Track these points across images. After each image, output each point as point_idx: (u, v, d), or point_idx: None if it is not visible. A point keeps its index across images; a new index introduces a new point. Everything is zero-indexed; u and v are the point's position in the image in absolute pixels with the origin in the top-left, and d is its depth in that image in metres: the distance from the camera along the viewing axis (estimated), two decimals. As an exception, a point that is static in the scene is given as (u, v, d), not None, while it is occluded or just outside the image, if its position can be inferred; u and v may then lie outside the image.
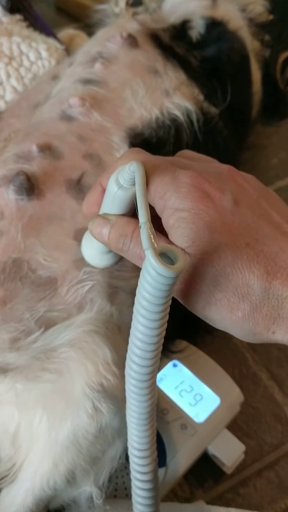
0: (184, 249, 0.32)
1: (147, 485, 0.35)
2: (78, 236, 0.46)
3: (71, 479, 0.42)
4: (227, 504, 0.55)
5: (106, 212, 0.37)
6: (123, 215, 0.36)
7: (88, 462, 0.41)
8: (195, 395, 0.56)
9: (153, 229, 0.30)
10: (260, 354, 0.64)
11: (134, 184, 0.33)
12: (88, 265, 0.45)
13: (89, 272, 0.45)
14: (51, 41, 0.69)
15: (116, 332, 0.41)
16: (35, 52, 0.66)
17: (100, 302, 0.44)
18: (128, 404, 0.34)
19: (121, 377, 0.38)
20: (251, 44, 0.71)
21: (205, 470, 0.56)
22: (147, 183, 0.34)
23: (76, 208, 0.48)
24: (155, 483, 0.36)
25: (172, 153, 0.41)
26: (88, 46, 0.63)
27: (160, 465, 0.52)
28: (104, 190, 0.37)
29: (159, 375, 0.57)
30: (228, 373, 0.58)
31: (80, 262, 0.46)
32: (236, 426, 0.59)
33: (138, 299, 0.30)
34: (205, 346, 0.60)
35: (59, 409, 0.39)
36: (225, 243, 0.32)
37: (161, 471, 0.52)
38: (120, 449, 0.42)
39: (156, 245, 0.29)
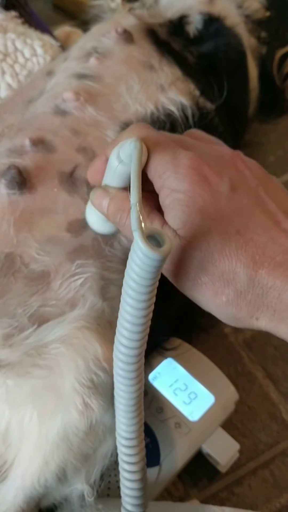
0: (175, 231, 0.33)
1: (135, 476, 0.36)
2: (71, 228, 0.46)
3: (62, 477, 0.41)
4: (222, 503, 0.54)
5: (107, 184, 0.38)
6: (123, 188, 0.37)
7: (79, 459, 0.40)
8: (190, 393, 0.55)
9: (143, 211, 0.30)
10: (256, 353, 0.64)
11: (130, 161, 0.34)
12: (81, 257, 0.45)
13: (81, 264, 0.45)
14: (46, 37, 0.69)
15: (108, 328, 0.40)
16: (30, 48, 0.66)
17: (92, 299, 0.44)
18: (115, 390, 0.34)
19: (112, 373, 0.38)
20: (248, 41, 0.70)
21: (199, 469, 0.56)
22: (148, 159, 0.34)
23: (69, 200, 0.48)
24: (143, 474, 0.37)
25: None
26: (83, 42, 0.62)
27: (154, 464, 0.51)
28: (107, 160, 0.37)
29: (153, 373, 0.56)
30: (223, 371, 0.57)
31: (73, 254, 0.46)
32: (231, 425, 0.58)
33: (126, 280, 0.31)
34: (200, 344, 0.59)
35: (49, 406, 0.38)
36: (216, 229, 0.32)
37: (155, 470, 0.51)
38: (111, 446, 0.41)
39: (144, 227, 0.30)
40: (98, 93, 0.56)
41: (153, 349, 0.56)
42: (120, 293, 0.46)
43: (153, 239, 0.30)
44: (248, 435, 0.58)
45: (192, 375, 0.56)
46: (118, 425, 0.35)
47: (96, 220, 0.43)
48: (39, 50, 0.65)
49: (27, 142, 0.50)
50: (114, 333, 0.40)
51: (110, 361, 0.38)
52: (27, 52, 0.65)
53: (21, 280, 0.44)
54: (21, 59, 0.65)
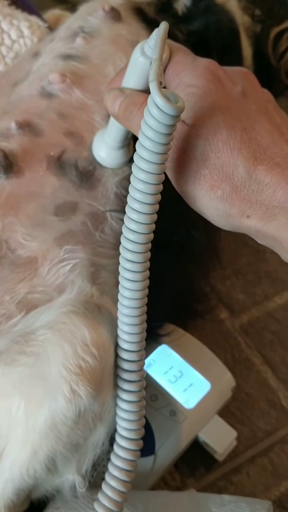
0: (184, 120, 0.34)
1: (133, 397, 0.38)
2: (58, 212, 0.45)
3: (51, 467, 0.40)
4: (220, 492, 0.53)
5: (124, 86, 0.39)
6: (140, 91, 0.38)
7: (69, 449, 0.39)
8: (185, 380, 0.54)
9: (162, 70, 0.32)
10: (253, 338, 0.62)
11: None
12: (69, 242, 0.44)
13: (70, 250, 0.44)
14: (33, 18, 0.67)
15: (96, 313, 0.39)
16: (16, 30, 0.64)
17: (80, 283, 0.43)
18: (119, 293, 0.36)
19: (100, 358, 0.36)
20: (241, 18, 0.68)
21: (196, 458, 0.54)
22: (169, 60, 0.37)
23: (57, 184, 0.46)
24: (141, 395, 0.38)
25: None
26: (70, 21, 0.61)
27: (149, 453, 0.50)
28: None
29: (147, 360, 0.55)
30: (220, 358, 0.56)
31: (61, 239, 0.45)
32: (229, 413, 0.57)
33: (140, 140, 0.32)
34: (196, 331, 0.59)
35: (36, 394, 0.37)
36: (224, 121, 0.34)
37: (150, 459, 0.50)
38: (103, 435, 0.40)
39: (162, 81, 0.31)
40: (85, 74, 0.54)
41: (147, 335, 0.55)
42: (111, 279, 0.45)
43: (168, 100, 0.31)
44: (246, 423, 0.57)
45: (187, 361, 0.55)
46: (120, 326, 0.37)
47: (105, 151, 0.45)
48: (26, 31, 0.64)
49: (13, 125, 0.49)
50: (103, 317, 0.39)
51: (98, 346, 0.37)
52: (13, 34, 0.63)
53: (8, 267, 0.43)
54: (7, 41, 0.63)
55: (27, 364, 0.38)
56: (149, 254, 0.36)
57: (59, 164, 0.48)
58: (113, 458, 0.39)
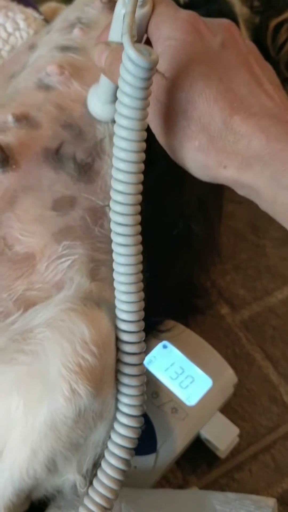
0: (163, 74, 0.35)
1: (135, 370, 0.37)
2: (56, 207, 0.44)
3: (52, 468, 0.39)
4: (222, 490, 0.53)
5: (111, 40, 0.39)
6: None
7: (69, 449, 0.38)
8: (186, 377, 0.53)
9: (135, 25, 0.32)
10: (254, 334, 0.62)
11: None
12: (68, 238, 0.44)
13: (69, 246, 0.43)
14: (29, 10, 0.66)
15: (95, 309, 0.38)
16: (12, 22, 0.64)
17: (79, 280, 0.42)
18: (114, 254, 0.36)
19: (100, 356, 0.36)
20: (240, 10, 0.68)
21: (198, 455, 0.54)
22: (152, 13, 0.36)
23: (54, 178, 0.46)
24: (142, 369, 0.38)
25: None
26: (66, 12, 0.60)
27: (150, 451, 0.50)
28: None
29: (148, 357, 0.54)
30: (221, 353, 0.55)
31: (59, 235, 0.44)
32: (230, 409, 0.56)
33: (119, 97, 0.33)
34: (197, 327, 0.58)
35: (35, 393, 0.36)
36: (200, 72, 0.34)
37: (152, 457, 0.50)
38: (103, 433, 0.39)
39: (135, 35, 0.31)
40: (83, 66, 0.53)
41: (148, 331, 0.54)
42: (110, 276, 0.44)
43: (141, 53, 0.31)
44: (247, 419, 0.56)
45: (188, 358, 0.54)
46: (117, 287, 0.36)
47: (99, 105, 0.46)
48: (22, 24, 0.63)
49: (9, 118, 0.48)
50: (102, 314, 0.39)
51: (98, 343, 0.36)
52: (9, 26, 0.63)
53: (5, 263, 0.42)
54: (3, 34, 0.62)
55: (25, 362, 0.37)
56: (139, 217, 0.36)
57: (56, 157, 0.47)
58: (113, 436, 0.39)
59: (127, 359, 0.38)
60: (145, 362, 0.52)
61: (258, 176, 0.33)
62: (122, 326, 0.37)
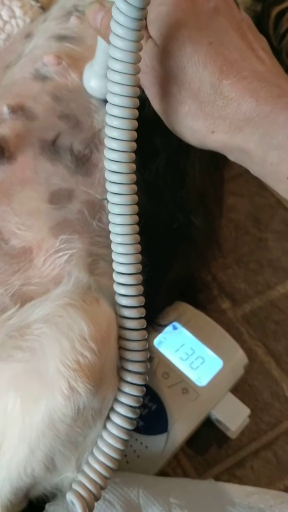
0: (155, 40, 0.35)
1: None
2: (53, 200, 0.44)
3: (50, 466, 0.38)
4: (223, 487, 0.52)
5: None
6: None
7: (68, 447, 0.38)
8: (197, 358, 0.54)
9: None
10: (256, 328, 0.61)
11: None
12: (65, 232, 0.43)
13: (66, 240, 0.43)
14: (25, -2, 0.65)
15: (95, 305, 0.37)
16: (8, 10, 0.62)
17: (77, 274, 0.41)
18: (109, 198, 0.35)
19: (100, 353, 0.35)
20: (241, -3, 0.66)
21: (199, 452, 0.53)
22: None
23: (51, 170, 0.45)
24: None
25: (152, 114, 0.39)
26: (63, 0, 0.58)
27: (162, 431, 0.50)
28: None
29: (158, 338, 0.54)
30: (221, 349, 0.55)
31: (57, 229, 0.43)
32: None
33: (112, 41, 0.33)
34: (197, 321, 0.57)
35: (32, 391, 0.35)
36: (189, 37, 0.34)
37: (163, 437, 0.50)
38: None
39: None
40: (81, 56, 0.53)
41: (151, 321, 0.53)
42: (110, 270, 0.44)
43: None
44: (249, 415, 0.55)
45: (198, 339, 0.54)
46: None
47: (95, 80, 0.45)
48: (18, 12, 0.62)
49: (5, 109, 0.48)
50: (102, 310, 0.38)
51: (97, 340, 0.35)
52: (5, 14, 0.61)
53: (1, 258, 0.42)
54: None
55: (22, 359, 0.37)
56: (134, 166, 0.35)
57: (53, 148, 0.46)
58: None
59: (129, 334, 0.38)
60: (155, 342, 0.54)
61: (248, 138, 0.33)
62: (123, 301, 0.37)
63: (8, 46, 0.59)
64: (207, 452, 0.53)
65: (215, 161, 0.56)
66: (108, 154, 0.35)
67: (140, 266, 0.37)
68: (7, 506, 0.40)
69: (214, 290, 0.63)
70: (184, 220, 0.49)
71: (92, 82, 0.47)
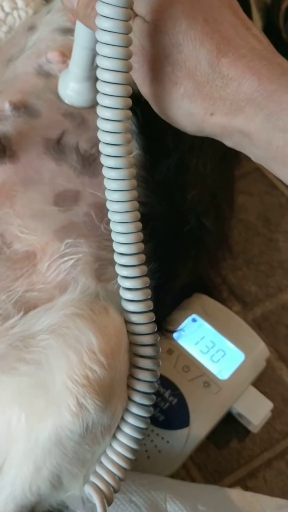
0: (143, 17, 0.33)
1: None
2: (58, 201, 0.42)
3: (56, 484, 0.37)
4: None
5: None
6: None
7: (75, 464, 0.36)
8: (217, 351, 0.53)
9: None
10: (267, 333, 0.59)
11: None
12: (71, 235, 0.41)
13: (72, 244, 0.41)
14: (27, -11, 0.63)
15: (103, 315, 0.36)
16: (10, 1, 0.61)
17: (84, 281, 0.40)
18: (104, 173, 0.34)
19: (109, 367, 0.33)
20: (251, -11, 0.64)
21: (210, 462, 0.51)
22: None
23: (56, 170, 0.43)
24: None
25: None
26: (67, -9, 0.56)
27: (183, 426, 0.50)
28: None
29: (177, 330, 0.54)
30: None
31: (62, 232, 0.42)
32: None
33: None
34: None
35: (38, 407, 0.34)
36: (184, 12, 0.32)
37: (185, 431, 0.49)
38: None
39: None
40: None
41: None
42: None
43: None
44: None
45: (219, 332, 0.54)
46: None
47: (69, 82, 0.41)
48: (20, 3, 0.61)
49: (7, 106, 0.46)
50: (111, 321, 0.36)
51: (107, 353, 0.34)
52: (6, 6, 0.60)
53: (3, 263, 0.40)
54: (0, 14, 0.60)
55: (27, 373, 0.35)
56: (130, 136, 0.34)
57: (58, 147, 0.45)
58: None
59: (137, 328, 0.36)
60: (174, 335, 0.53)
61: (250, 120, 0.31)
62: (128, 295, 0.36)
63: (10, 38, 0.58)
64: (218, 462, 0.51)
65: (227, 159, 0.54)
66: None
67: (145, 268, 0.35)
68: (12, 524, 0.38)
69: (224, 292, 0.61)
70: (196, 223, 0.47)
71: (69, 89, 0.42)
